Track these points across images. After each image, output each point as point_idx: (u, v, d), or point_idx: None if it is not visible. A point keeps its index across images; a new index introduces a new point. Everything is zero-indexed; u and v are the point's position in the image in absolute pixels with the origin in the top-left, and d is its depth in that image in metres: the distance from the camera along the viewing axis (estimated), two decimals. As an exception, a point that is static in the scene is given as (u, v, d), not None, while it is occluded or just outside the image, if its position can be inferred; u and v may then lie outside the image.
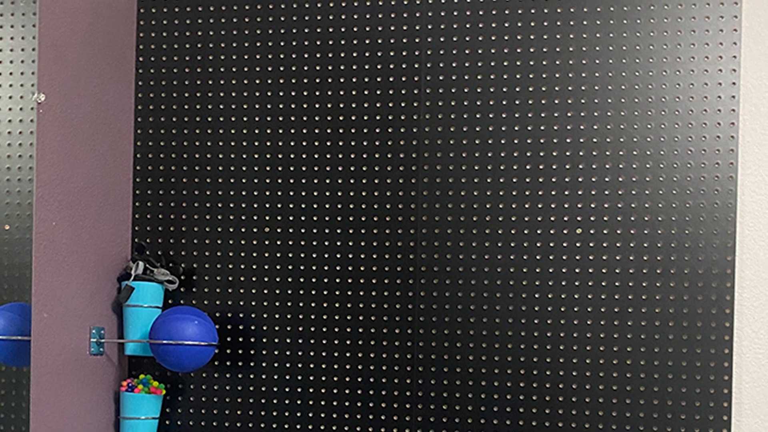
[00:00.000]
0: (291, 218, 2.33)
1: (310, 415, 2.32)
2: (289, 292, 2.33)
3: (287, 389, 2.33)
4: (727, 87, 2.17)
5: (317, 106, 2.33)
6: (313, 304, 2.32)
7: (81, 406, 2.20)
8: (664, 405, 2.18)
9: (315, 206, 2.32)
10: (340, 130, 2.31)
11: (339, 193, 2.31)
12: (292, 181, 2.33)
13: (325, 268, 2.32)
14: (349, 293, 2.31)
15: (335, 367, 2.32)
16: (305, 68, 2.34)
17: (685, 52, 2.18)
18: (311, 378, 2.32)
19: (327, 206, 2.32)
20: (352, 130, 2.31)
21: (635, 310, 2.19)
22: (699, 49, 2.18)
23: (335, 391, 2.31)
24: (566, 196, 2.22)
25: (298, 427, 2.33)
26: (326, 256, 2.32)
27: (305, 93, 2.33)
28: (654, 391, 2.19)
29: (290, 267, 2.34)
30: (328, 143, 2.32)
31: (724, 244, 2.16)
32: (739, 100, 2.16)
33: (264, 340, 2.34)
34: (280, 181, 2.34)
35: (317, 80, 2.33)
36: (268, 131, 2.34)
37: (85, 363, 2.21)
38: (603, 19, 2.22)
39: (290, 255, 2.33)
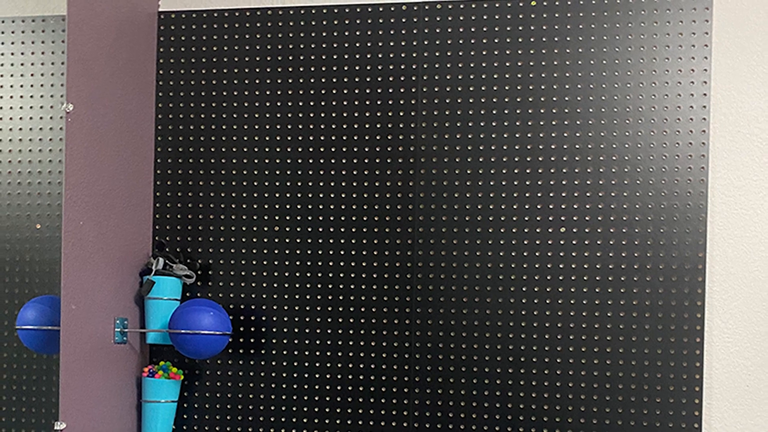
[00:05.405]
0: (299, 218, 2.36)
1: (316, 398, 2.35)
2: (297, 286, 2.36)
3: (295, 375, 2.36)
4: (699, 98, 2.20)
5: (323, 115, 2.36)
6: (318, 297, 2.35)
7: (106, 390, 2.24)
8: (641, 389, 2.21)
9: (321, 207, 2.35)
10: (344, 137, 2.35)
11: (342, 195, 2.34)
12: (299, 184, 2.36)
13: (330, 264, 2.35)
14: (352, 287, 2.34)
15: (339, 355, 2.34)
16: (311, 80, 2.36)
17: (660, 65, 2.21)
18: (317, 365, 2.35)
19: (332, 207, 2.34)
20: (355, 137, 2.34)
21: (614, 302, 2.22)
22: (673, 62, 2.21)
23: (339, 377, 2.34)
24: (551, 198, 2.25)
25: (305, 409, 2.35)
26: (331, 253, 2.35)
27: (311, 103, 2.36)
28: (632, 376, 2.21)
29: (298, 263, 2.36)
30: (333, 149, 2.35)
31: (696, 242, 2.20)
32: (709, 109, 2.20)
33: (274, 330, 2.37)
34: (289, 184, 2.37)
35: (323, 91, 2.36)
36: (278, 138, 2.37)
37: (109, 351, 2.25)
38: (585, 35, 2.25)
39: (298, 252, 2.36)
